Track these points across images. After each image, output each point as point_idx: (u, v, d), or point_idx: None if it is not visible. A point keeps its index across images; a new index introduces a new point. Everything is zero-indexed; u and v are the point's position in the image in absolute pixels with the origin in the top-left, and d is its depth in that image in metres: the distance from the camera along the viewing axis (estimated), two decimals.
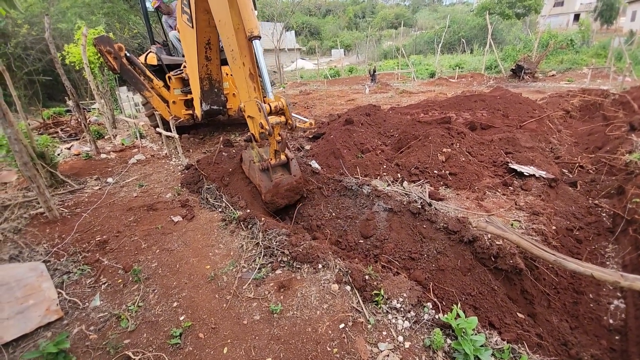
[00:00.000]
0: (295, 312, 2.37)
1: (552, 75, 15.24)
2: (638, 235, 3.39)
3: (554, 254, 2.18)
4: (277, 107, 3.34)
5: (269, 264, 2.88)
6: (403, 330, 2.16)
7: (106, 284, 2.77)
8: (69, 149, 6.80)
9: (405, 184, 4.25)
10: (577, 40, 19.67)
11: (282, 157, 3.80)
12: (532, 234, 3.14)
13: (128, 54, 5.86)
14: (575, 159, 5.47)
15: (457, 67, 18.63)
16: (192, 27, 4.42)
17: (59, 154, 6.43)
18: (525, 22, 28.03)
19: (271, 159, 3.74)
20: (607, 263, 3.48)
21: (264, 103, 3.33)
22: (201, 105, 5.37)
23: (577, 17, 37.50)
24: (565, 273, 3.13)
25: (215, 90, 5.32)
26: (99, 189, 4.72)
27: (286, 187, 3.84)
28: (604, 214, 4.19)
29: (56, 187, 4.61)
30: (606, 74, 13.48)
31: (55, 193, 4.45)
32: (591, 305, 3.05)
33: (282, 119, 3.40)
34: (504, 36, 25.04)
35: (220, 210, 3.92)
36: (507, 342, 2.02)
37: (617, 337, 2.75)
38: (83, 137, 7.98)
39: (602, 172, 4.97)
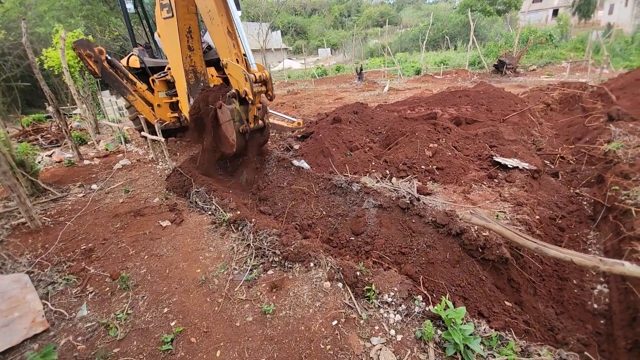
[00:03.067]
0: (288, 312, 2.37)
1: (533, 70, 15.64)
2: (618, 222, 3.51)
3: (535, 242, 2.24)
4: (261, 77, 3.76)
5: (261, 265, 2.87)
6: (395, 324, 2.19)
7: (93, 293, 2.71)
8: (50, 156, 6.62)
9: (393, 180, 4.30)
10: (556, 35, 20.24)
11: (260, 122, 4.20)
12: (517, 224, 3.22)
13: (109, 57, 5.73)
14: (556, 150, 5.64)
15: (442, 64, 18.92)
16: (172, 15, 4.59)
17: (39, 162, 6.25)
18: (506, 18, 28.67)
19: (250, 124, 4.08)
20: (589, 249, 3.60)
21: (250, 72, 3.71)
22: (189, 102, 5.36)
23: (555, 12, 38.50)
24: (550, 261, 3.22)
25: (201, 83, 5.39)
26: (83, 196, 4.61)
27: (253, 145, 4.42)
28: (585, 203, 4.33)
29: (38, 195, 4.48)
30: (584, 67, 13.91)
31: (36, 202, 4.32)
32: (575, 291, 3.15)
33: (264, 88, 3.81)
34: (486, 33, 25.55)
35: (209, 213, 3.88)
36: (495, 330, 2.07)
37: (602, 321, 2.84)
38: (65, 144, 7.77)
39: (582, 162, 5.14)
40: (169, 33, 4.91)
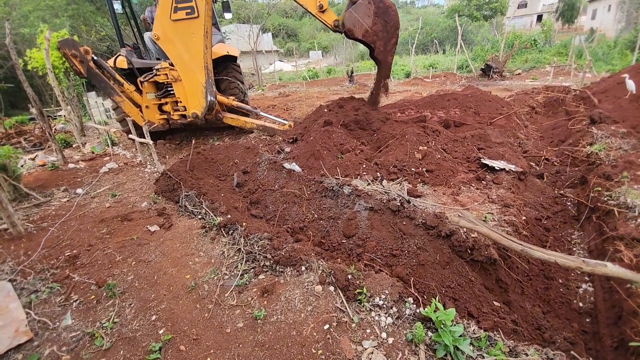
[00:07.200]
0: (279, 317, 2.35)
1: (518, 74, 16.02)
2: (601, 222, 3.62)
3: (521, 244, 2.29)
4: None
5: (252, 270, 2.85)
6: (386, 327, 2.20)
7: (78, 302, 2.63)
8: (33, 159, 6.44)
9: (384, 182, 4.32)
10: (540, 40, 20.78)
11: None
12: (504, 225, 3.28)
13: (95, 57, 5.62)
14: (541, 152, 5.78)
15: (431, 67, 19.20)
16: (198, 16, 5.11)
17: (22, 166, 6.06)
18: (492, 23, 29.33)
19: None
20: (574, 249, 3.70)
21: None
22: (206, 97, 5.66)
23: (540, 17, 39.64)
24: (536, 261, 3.29)
25: (210, 80, 5.77)
26: (68, 200, 4.49)
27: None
28: (569, 203, 4.45)
29: (20, 201, 4.35)
30: (567, 71, 14.33)
31: (19, 207, 4.19)
32: (561, 290, 3.22)
33: None
34: (473, 37, 26.08)
35: (199, 217, 3.83)
36: (484, 330, 2.10)
37: (587, 320, 2.91)
38: (48, 147, 7.57)
39: (566, 164, 5.28)
40: (185, 33, 5.28)
